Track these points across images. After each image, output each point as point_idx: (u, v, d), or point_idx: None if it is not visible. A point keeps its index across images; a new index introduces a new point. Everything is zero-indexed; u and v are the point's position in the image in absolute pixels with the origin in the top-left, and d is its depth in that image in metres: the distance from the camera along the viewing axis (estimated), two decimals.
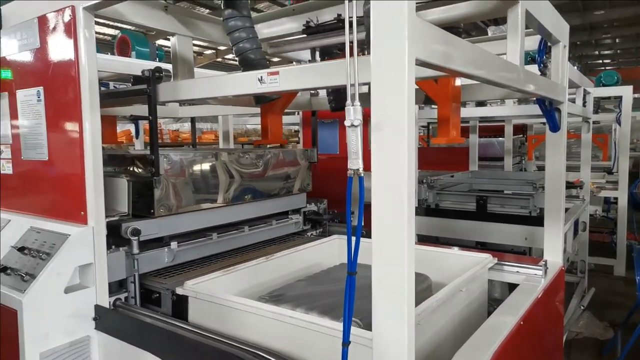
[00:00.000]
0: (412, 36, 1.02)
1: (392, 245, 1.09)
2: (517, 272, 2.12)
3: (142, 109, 3.35)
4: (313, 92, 3.07)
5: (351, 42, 1.12)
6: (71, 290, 1.74)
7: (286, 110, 2.87)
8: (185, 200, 2.20)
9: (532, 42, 2.27)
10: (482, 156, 5.58)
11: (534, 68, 2.20)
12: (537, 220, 3.15)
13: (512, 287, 2.14)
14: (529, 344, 1.90)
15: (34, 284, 1.65)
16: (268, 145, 2.88)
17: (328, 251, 2.54)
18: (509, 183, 3.84)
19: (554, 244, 2.27)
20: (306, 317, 1.50)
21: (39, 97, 1.97)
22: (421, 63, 1.08)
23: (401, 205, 1.07)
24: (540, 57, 2.16)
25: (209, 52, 17.72)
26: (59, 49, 1.85)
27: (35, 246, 1.81)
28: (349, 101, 1.12)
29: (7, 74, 2.08)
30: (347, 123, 1.12)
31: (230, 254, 2.43)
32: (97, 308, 1.78)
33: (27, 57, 1.99)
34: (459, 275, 1.86)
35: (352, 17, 1.11)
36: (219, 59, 18.51)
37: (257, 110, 3.76)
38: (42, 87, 1.95)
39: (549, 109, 2.21)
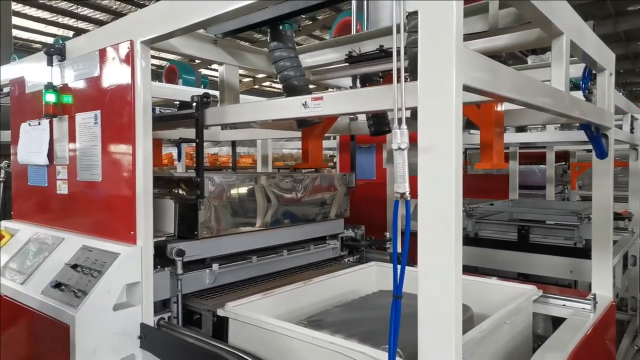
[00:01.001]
0: (460, 63, 1.04)
1: (440, 272, 1.08)
2: (564, 305, 2.04)
3: (184, 133, 3.49)
4: (352, 116, 3.12)
5: (398, 69, 1.14)
6: (119, 307, 1.80)
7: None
8: (227, 223, 2.25)
9: (575, 70, 2.25)
10: (522, 184, 5.42)
11: (577, 95, 2.16)
12: (582, 252, 3.03)
13: (555, 323, 2.05)
14: None
15: (86, 300, 1.72)
16: (303, 170, 2.93)
17: (366, 278, 2.52)
18: (552, 213, 3.72)
19: (603, 277, 2.17)
20: (347, 344, 1.49)
21: (95, 120, 2.09)
22: (467, 89, 1.09)
23: (449, 231, 1.06)
24: (584, 83, 2.13)
25: (246, 79, 18.34)
26: (117, 77, 1.97)
27: (87, 264, 1.89)
28: (395, 125, 1.14)
29: (68, 99, 2.23)
30: (394, 146, 1.13)
31: (268, 277, 2.46)
32: (143, 326, 1.83)
33: (87, 84, 2.13)
34: (501, 307, 1.80)
35: (399, 47, 1.14)
36: (256, 86, 19.11)
37: (294, 134, 3.83)
38: (99, 111, 2.07)
39: (596, 135, 2.16)
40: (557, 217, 3.51)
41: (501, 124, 1.99)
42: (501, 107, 2.00)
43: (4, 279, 2.15)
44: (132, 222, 1.91)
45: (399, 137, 1.14)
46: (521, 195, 5.33)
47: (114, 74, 1.98)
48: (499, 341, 1.73)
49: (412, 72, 1.32)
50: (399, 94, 1.15)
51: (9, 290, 2.06)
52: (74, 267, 1.91)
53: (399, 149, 1.15)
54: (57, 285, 1.86)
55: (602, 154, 2.22)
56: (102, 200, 2.07)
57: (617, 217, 4.11)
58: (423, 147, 1.11)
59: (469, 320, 1.89)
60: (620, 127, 4.15)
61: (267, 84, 19.42)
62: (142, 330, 1.82)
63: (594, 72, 2.15)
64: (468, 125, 2.21)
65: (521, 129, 4.71)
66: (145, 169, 1.91)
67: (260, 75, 17.74)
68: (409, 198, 1.14)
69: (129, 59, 1.90)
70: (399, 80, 1.15)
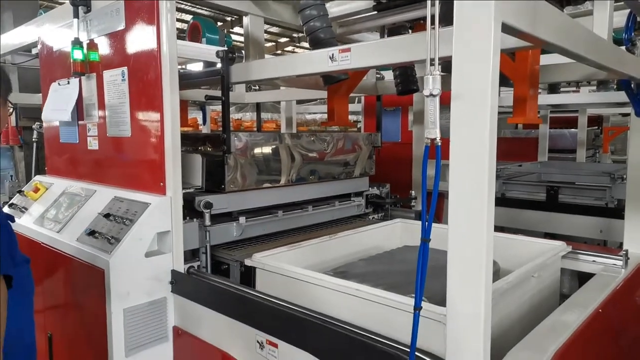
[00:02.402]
0: None
1: (472, 216, 1.07)
2: (594, 261, 2.01)
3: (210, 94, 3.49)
4: (379, 75, 3.05)
5: (432, 15, 1.10)
6: (151, 255, 1.87)
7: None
8: (253, 179, 2.28)
9: (616, 19, 2.12)
10: (551, 148, 5.28)
11: None
12: (613, 212, 2.96)
13: (583, 281, 2.03)
14: (604, 339, 1.80)
15: (119, 246, 1.79)
16: (328, 129, 2.92)
17: (390, 234, 2.54)
18: (582, 174, 3.62)
19: (636, 235, 2.12)
20: (374, 291, 1.51)
21: (123, 77, 2.11)
22: (507, 29, 1.04)
23: (482, 177, 1.05)
24: (628, 34, 2.01)
25: (269, 44, 18.07)
26: (143, 30, 1.96)
27: (119, 213, 1.95)
28: (428, 70, 1.11)
29: (95, 56, 2.24)
30: (425, 92, 1.10)
31: (294, 232, 2.50)
32: (174, 273, 1.90)
33: (113, 38, 2.13)
34: (528, 262, 1.79)
35: None
36: (278, 51, 18.83)
37: (318, 95, 3.79)
38: (126, 68, 2.08)
39: (636, 92, 2.06)
40: (588, 179, 3.42)
41: (536, 79, 1.91)
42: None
43: (41, 227, 2.24)
44: (161, 173, 1.95)
45: (431, 83, 1.11)
46: (550, 159, 5.20)
47: (140, 28, 1.97)
48: (525, 294, 1.73)
49: (445, 18, 1.26)
50: (433, 41, 1.10)
51: (46, 238, 2.16)
52: (107, 216, 1.97)
53: (431, 95, 1.12)
54: (91, 233, 1.93)
55: None
56: (131, 154, 2.12)
57: None
58: (457, 93, 1.07)
59: (496, 274, 1.89)
60: None
61: (289, 48, 19.11)
62: (173, 276, 1.89)
63: (638, 20, 2.03)
64: (502, 81, 2.12)
65: (553, 90, 4.54)
66: (173, 122, 1.93)
67: (282, 40, 17.46)
68: (439, 144, 1.12)
69: (154, 11, 1.88)
70: (432, 26, 1.10)
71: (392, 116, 4.41)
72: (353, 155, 2.77)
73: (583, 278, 2.06)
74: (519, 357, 1.30)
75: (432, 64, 1.11)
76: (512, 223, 3.24)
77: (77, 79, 2.34)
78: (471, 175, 1.08)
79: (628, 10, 1.98)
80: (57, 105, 2.46)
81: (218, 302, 1.76)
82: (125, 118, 2.12)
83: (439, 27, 1.11)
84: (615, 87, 3.89)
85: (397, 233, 2.55)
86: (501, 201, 3.41)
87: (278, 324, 1.56)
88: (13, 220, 1.39)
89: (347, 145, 2.74)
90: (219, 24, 13.27)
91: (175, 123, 1.94)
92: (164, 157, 1.93)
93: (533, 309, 1.78)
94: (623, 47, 2.11)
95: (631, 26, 2.01)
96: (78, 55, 2.22)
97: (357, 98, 5.16)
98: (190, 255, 2.05)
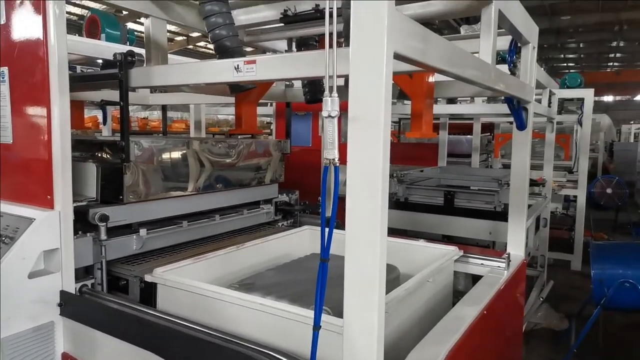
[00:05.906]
0: (392, 30, 1.04)
1: (366, 236, 1.11)
2: (482, 264, 2.21)
3: (111, 94, 3.26)
4: (288, 83, 3.07)
5: (330, 33, 1.13)
6: (36, 275, 1.69)
7: (259, 101, 2.86)
8: (155, 188, 2.17)
9: (503, 42, 2.35)
10: (450, 153, 5.72)
11: (503, 68, 2.27)
12: (501, 215, 3.27)
13: (475, 279, 2.22)
14: (491, 334, 1.98)
15: None
16: (239, 136, 2.87)
17: (299, 241, 2.56)
18: (476, 179, 3.96)
19: (517, 238, 2.36)
20: (276, 304, 1.51)
21: (3, 78, 1.89)
22: (399, 57, 1.10)
23: (375, 197, 1.09)
24: (510, 57, 2.24)
25: (179, 38, 17.30)
26: (27, 26, 1.77)
27: None
28: (326, 92, 1.13)
29: None
30: (324, 114, 1.13)
31: (200, 242, 2.42)
32: (63, 294, 1.74)
33: None
34: (426, 266, 1.92)
35: (332, 8, 1.12)
36: (190, 46, 18.12)
37: (230, 100, 3.72)
38: (6, 68, 1.86)
39: (517, 108, 2.29)
40: (480, 183, 3.75)
41: (431, 95, 2.05)
42: (432, 79, 2.06)
43: None
44: (48, 186, 1.77)
45: (329, 105, 1.14)
46: (449, 163, 5.62)
47: (23, 23, 1.78)
48: (421, 298, 1.84)
49: (347, 37, 1.30)
50: (331, 60, 1.13)
51: None
52: None
53: (329, 116, 1.15)
54: None
55: (521, 125, 2.37)
56: (13, 164, 1.90)
57: (533, 183, 4.48)
58: (353, 115, 1.11)
59: (396, 279, 1.99)
60: (539, 101, 4.47)
61: (202, 44, 18.48)
62: (62, 298, 1.74)
63: (519, 45, 2.26)
64: (401, 95, 2.25)
65: (451, 100, 4.93)
66: (62, 130, 1.76)
67: (194, 34, 16.84)
68: (337, 164, 1.15)
69: (40, 4, 1.71)
70: (331, 45, 1.13)
71: (303, 121, 4.46)
72: (262, 162, 2.76)
73: (476, 275, 2.25)
74: None
75: (330, 87, 1.14)
76: (414, 226, 3.45)
77: None
78: (366, 191, 1.11)
79: (511, 37, 2.20)
80: None
81: (109, 323, 1.65)
82: (6, 123, 1.90)
83: (343, 44, 1.14)
84: (503, 99, 4.31)
85: (306, 240, 2.58)
86: (404, 205, 3.61)
87: (173, 346, 1.49)
88: None
89: (256, 152, 2.72)
90: (124, 13, 12.45)
91: (65, 129, 1.78)
92: (51, 168, 1.76)
93: (430, 311, 1.91)
94: (506, 66, 2.34)
95: (513, 50, 2.23)
96: None
97: (269, 102, 5.15)
98: (84, 272, 1.90)
